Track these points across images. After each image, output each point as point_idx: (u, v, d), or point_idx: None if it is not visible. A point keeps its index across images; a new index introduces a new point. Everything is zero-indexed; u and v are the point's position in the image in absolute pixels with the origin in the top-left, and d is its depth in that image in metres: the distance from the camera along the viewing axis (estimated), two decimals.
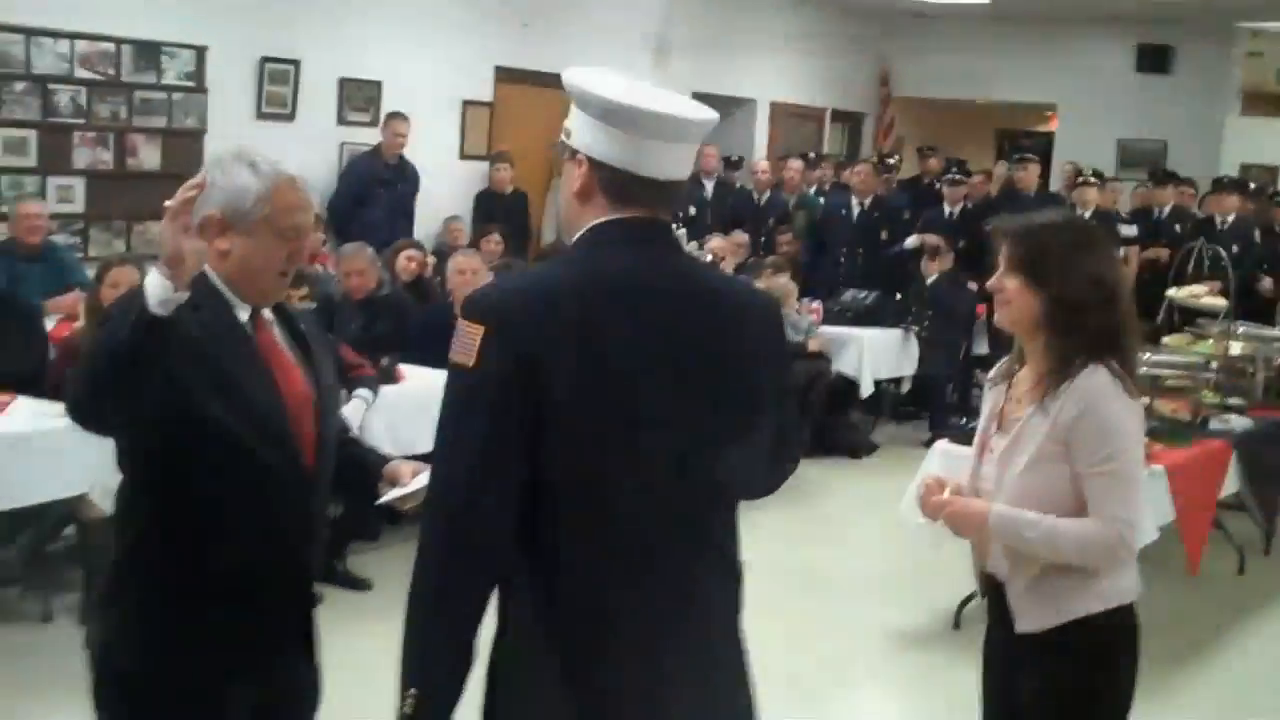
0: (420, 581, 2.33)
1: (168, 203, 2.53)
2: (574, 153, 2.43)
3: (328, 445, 2.93)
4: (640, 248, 2.42)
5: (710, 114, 2.46)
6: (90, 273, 7.09)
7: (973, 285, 10.94)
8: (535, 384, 2.26)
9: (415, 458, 3.19)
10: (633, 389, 2.33)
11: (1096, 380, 3.15)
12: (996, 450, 3.31)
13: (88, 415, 2.63)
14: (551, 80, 12.81)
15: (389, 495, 2.96)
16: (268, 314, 2.93)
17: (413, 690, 2.31)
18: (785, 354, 2.67)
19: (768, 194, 12.62)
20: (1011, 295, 3.24)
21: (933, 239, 10.95)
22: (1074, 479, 3.17)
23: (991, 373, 3.50)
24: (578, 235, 2.44)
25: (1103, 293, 3.18)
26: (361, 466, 3.07)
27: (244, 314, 2.86)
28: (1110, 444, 3.13)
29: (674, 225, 2.51)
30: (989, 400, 3.45)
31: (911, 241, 11.19)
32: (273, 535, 2.81)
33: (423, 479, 2.92)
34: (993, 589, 3.38)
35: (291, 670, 2.95)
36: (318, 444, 2.89)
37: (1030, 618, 3.25)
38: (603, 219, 2.41)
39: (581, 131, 2.41)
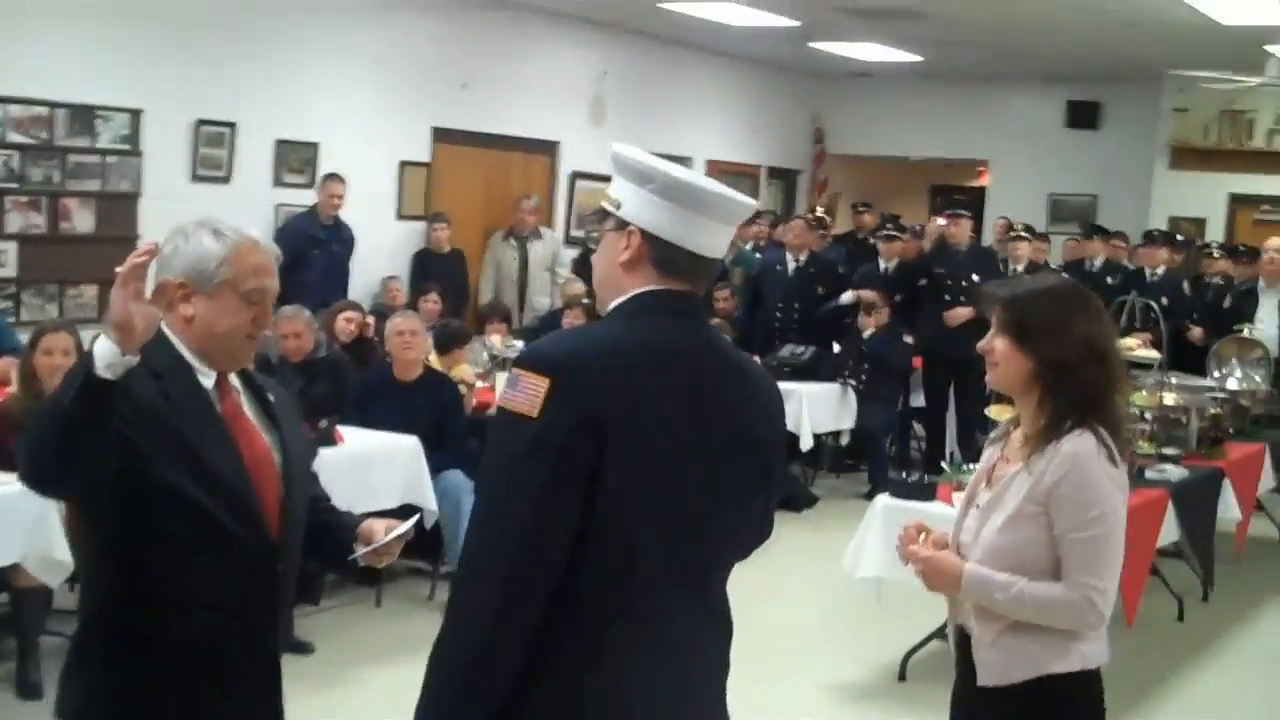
0: (461, 638, 2.32)
1: (118, 269, 2.53)
2: (623, 224, 2.49)
3: (293, 513, 2.92)
4: (682, 319, 2.50)
5: (753, 201, 2.60)
6: (23, 338, 7.00)
7: (908, 339, 11.04)
8: (597, 439, 2.30)
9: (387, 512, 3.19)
10: (673, 452, 2.39)
11: (1082, 445, 3.17)
12: (980, 504, 3.34)
13: (39, 480, 2.65)
14: (489, 140, 12.87)
15: (363, 551, 2.96)
16: (234, 380, 2.92)
17: None
18: (783, 427, 2.74)
19: None
20: (1000, 358, 3.28)
21: (869, 294, 11.03)
22: (1050, 541, 3.18)
23: (992, 433, 3.55)
24: (618, 302, 2.50)
25: (1093, 353, 3.22)
26: (336, 530, 3.06)
27: (208, 380, 2.85)
28: (1091, 510, 3.14)
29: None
30: (985, 456, 3.49)
31: (848, 297, 11.27)
32: (237, 604, 2.81)
33: (396, 532, 2.96)
34: (962, 642, 3.39)
35: None
36: (283, 512, 2.88)
37: (993, 671, 3.26)
38: (650, 288, 2.48)
39: (636, 205, 2.48)
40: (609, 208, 2.52)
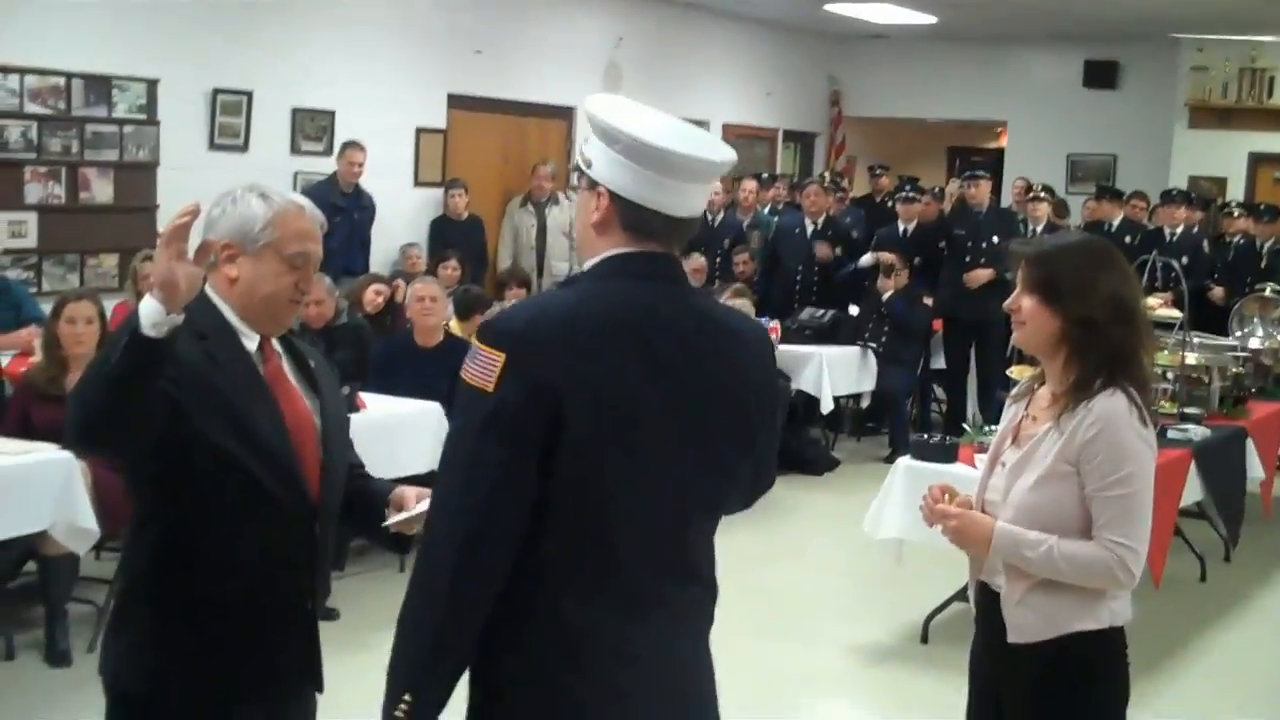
0: (421, 604, 2.35)
1: (161, 229, 2.57)
2: (594, 184, 2.46)
3: (333, 476, 2.96)
4: (653, 282, 2.46)
5: (730, 154, 2.50)
6: (45, 308, 7.03)
7: (928, 301, 11.01)
8: (551, 411, 2.30)
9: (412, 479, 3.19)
10: (640, 420, 2.38)
11: (1114, 405, 3.16)
12: (1008, 463, 3.33)
13: (87, 439, 2.71)
14: (504, 106, 12.82)
15: (394, 519, 2.97)
16: (276, 344, 2.96)
17: (407, 696, 2.34)
18: (774, 382, 2.73)
19: (721, 215, 12.63)
20: (1028, 316, 3.26)
21: (888, 256, 11.01)
22: (1082, 500, 3.18)
23: (1014, 390, 3.53)
24: (591, 263, 2.48)
25: (1120, 311, 3.20)
26: (369, 496, 3.08)
27: (251, 344, 2.88)
28: (1122, 469, 3.13)
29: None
30: (1007, 415, 3.48)
31: (867, 259, 11.25)
32: (277, 563, 2.85)
33: (426, 503, 2.93)
34: (986, 599, 3.38)
35: (296, 696, 3.01)
36: (323, 474, 2.92)
37: (1022, 629, 3.26)
38: (619, 250, 2.45)
39: (604, 164, 2.44)
40: (582, 165, 2.49)
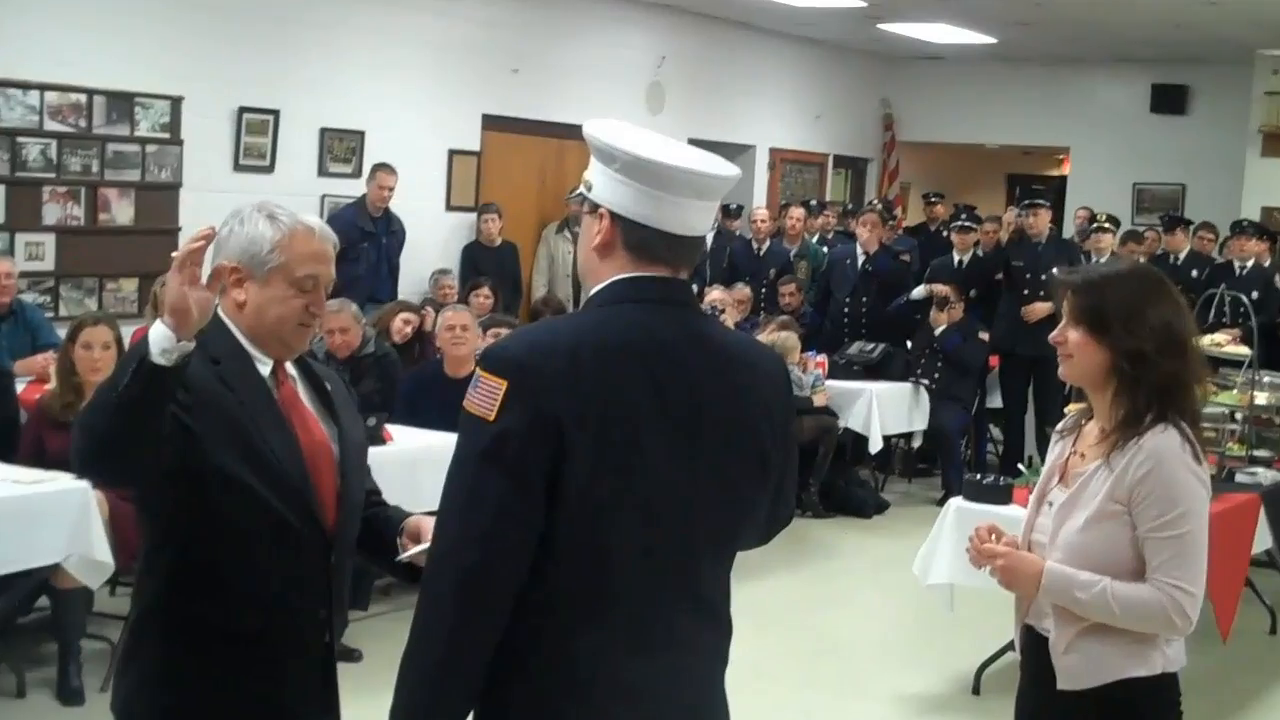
0: (423, 641, 2.38)
1: (174, 253, 2.60)
2: (595, 207, 2.51)
3: (350, 504, 2.99)
4: (660, 307, 2.49)
5: (733, 170, 2.54)
6: (61, 333, 7.10)
7: (984, 336, 11.00)
8: (554, 441, 2.33)
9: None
10: (646, 451, 2.40)
11: (1167, 441, 3.16)
12: (1055, 503, 3.33)
13: (92, 467, 2.72)
14: (541, 128, 12.86)
15: (411, 552, 2.98)
16: (291, 369, 2.99)
17: None
18: (791, 411, 2.75)
19: (768, 243, 12.67)
20: (1075, 348, 3.27)
21: (941, 288, 11.00)
22: (1133, 541, 3.18)
23: (1060, 425, 3.53)
24: (596, 290, 2.52)
25: (1172, 343, 3.20)
26: (383, 525, 3.10)
27: (265, 368, 2.92)
28: (1175, 508, 3.14)
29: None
30: (1054, 452, 3.48)
31: (919, 292, 11.24)
32: (292, 595, 2.87)
33: None
34: (1033, 643, 3.39)
35: None
36: (339, 502, 2.95)
37: (1072, 676, 3.26)
38: (624, 275, 2.49)
39: (604, 186, 2.50)
40: (584, 189, 2.55)
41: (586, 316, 2.51)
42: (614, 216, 2.49)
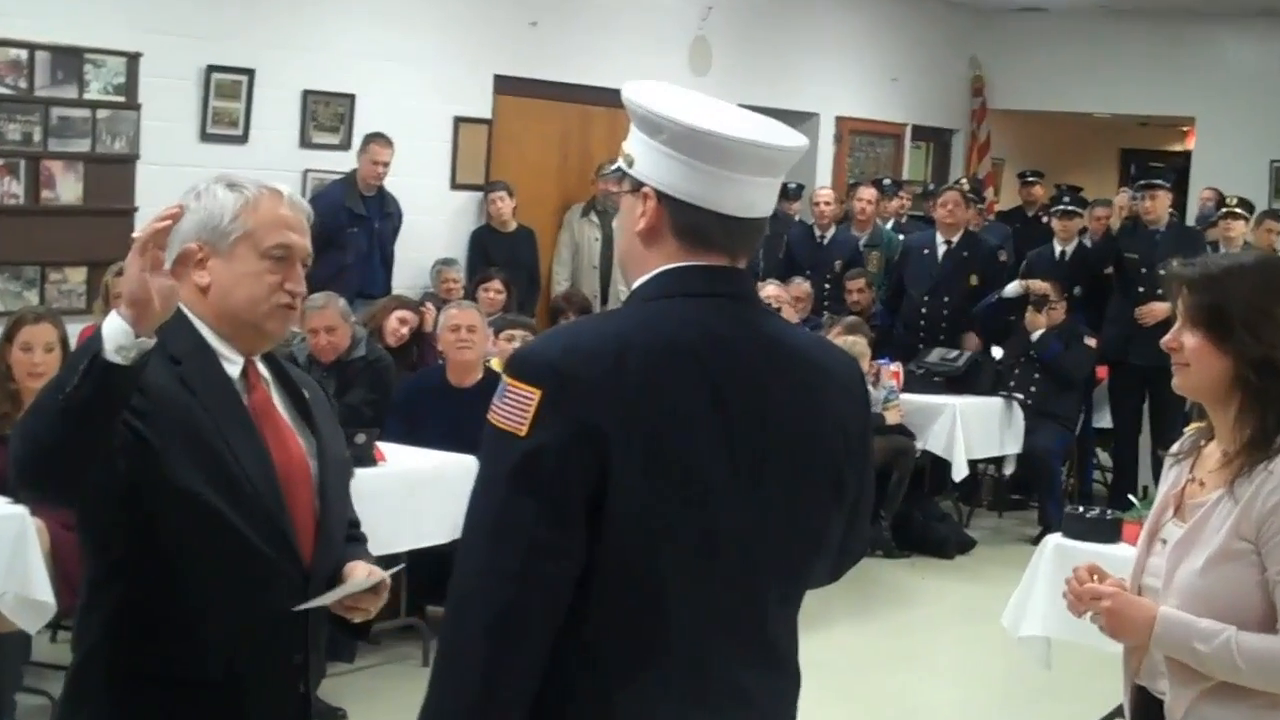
0: (446, 697, 2.38)
1: (135, 234, 2.62)
2: (638, 185, 2.51)
3: (330, 531, 3.01)
4: (717, 302, 2.50)
5: (801, 140, 2.55)
6: None
7: (1090, 341, 10.97)
8: (596, 460, 2.34)
9: (391, 557, 3.22)
10: (701, 469, 2.41)
11: None
12: (1170, 540, 3.33)
13: (31, 481, 2.72)
14: (563, 92, 12.85)
15: (320, 600, 2.95)
16: (263, 369, 3.01)
17: None
18: (869, 425, 2.76)
19: (832, 230, 12.64)
20: (1191, 356, 3.27)
21: (1039, 285, 10.96)
22: (1263, 584, 3.17)
23: (1175, 446, 3.52)
24: (639, 283, 2.53)
25: None
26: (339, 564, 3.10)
27: (235, 368, 2.94)
28: None
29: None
30: (1167, 480, 3.48)
31: (1013, 288, 11.20)
32: (262, 637, 2.89)
33: (354, 585, 2.97)
34: (1145, 707, 3.38)
35: None
36: (318, 529, 2.96)
37: None
38: (673, 265, 2.50)
39: (648, 160, 2.50)
40: (623, 165, 2.54)
41: (631, 313, 2.52)
42: (660, 196, 2.49)
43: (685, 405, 2.41)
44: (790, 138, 2.52)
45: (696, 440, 2.41)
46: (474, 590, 2.38)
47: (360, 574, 3.01)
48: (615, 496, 2.35)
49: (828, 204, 12.81)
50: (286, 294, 2.94)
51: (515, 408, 2.36)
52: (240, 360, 2.95)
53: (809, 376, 2.56)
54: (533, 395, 2.35)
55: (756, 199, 2.51)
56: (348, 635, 3.21)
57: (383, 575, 3.04)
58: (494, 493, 2.38)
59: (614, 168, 2.57)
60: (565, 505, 2.34)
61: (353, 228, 10.53)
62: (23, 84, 9.27)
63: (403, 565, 3.27)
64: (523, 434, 2.35)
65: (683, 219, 2.48)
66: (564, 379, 2.36)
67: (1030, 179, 14.80)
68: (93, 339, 2.59)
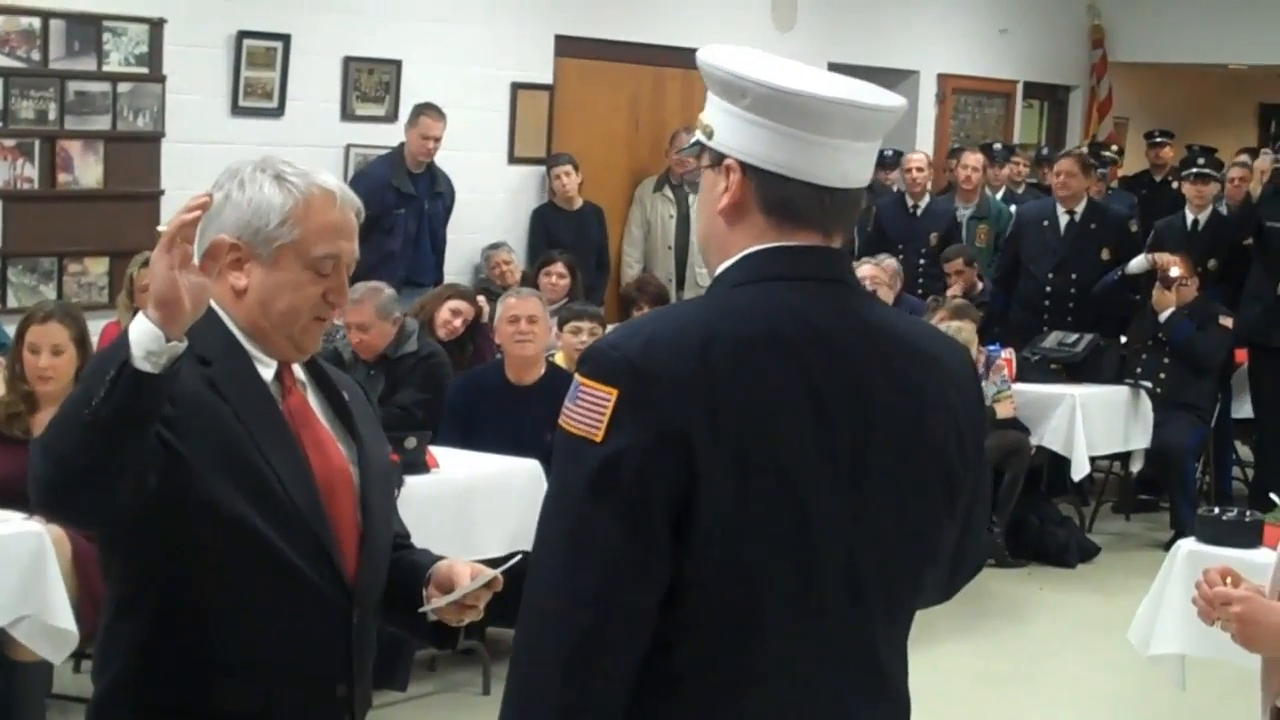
0: None
1: (161, 228, 2.63)
2: (720, 158, 2.51)
3: (375, 546, 3.02)
4: (813, 286, 2.50)
5: (899, 100, 2.54)
6: (10, 329, 7.18)
7: (1226, 322, 10.89)
8: (682, 467, 2.34)
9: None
10: (798, 475, 2.41)
11: None
12: None
13: (56, 502, 2.73)
14: (632, 53, 12.89)
15: (435, 603, 3.00)
16: (299, 372, 3.03)
17: None
18: (983, 421, 2.75)
19: (926, 200, 12.56)
20: None
21: (1168, 259, 10.89)
22: None
23: None
24: (724, 267, 2.53)
25: None
26: (406, 570, 3.12)
27: (268, 372, 2.96)
28: None
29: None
30: None
31: (1138, 263, 11.12)
32: (301, 664, 2.91)
33: (481, 580, 2.98)
34: None
35: None
36: (362, 544, 2.98)
37: None
38: (762, 246, 2.50)
39: (729, 129, 2.50)
40: (702, 137, 2.54)
41: (716, 301, 2.52)
42: (745, 168, 2.49)
43: (779, 404, 2.40)
44: (887, 98, 2.52)
45: (792, 443, 2.40)
46: (548, 616, 2.38)
47: (462, 572, 3.01)
48: (703, 507, 2.35)
49: (920, 169, 12.71)
50: (327, 306, 2.96)
51: (589, 410, 2.36)
52: (274, 362, 2.96)
53: (917, 369, 2.55)
54: (608, 396, 2.35)
55: (852, 167, 2.50)
56: (432, 643, 3.21)
57: (493, 573, 3.02)
58: (568, 506, 2.38)
59: (692, 142, 2.57)
60: (648, 518, 2.34)
61: (400, 209, 10.54)
62: (36, 56, 9.30)
63: (520, 557, 3.25)
64: (598, 440, 2.35)
65: (771, 193, 2.48)
66: (642, 378, 2.36)
67: (1158, 140, 14.71)
68: (118, 344, 2.60)
